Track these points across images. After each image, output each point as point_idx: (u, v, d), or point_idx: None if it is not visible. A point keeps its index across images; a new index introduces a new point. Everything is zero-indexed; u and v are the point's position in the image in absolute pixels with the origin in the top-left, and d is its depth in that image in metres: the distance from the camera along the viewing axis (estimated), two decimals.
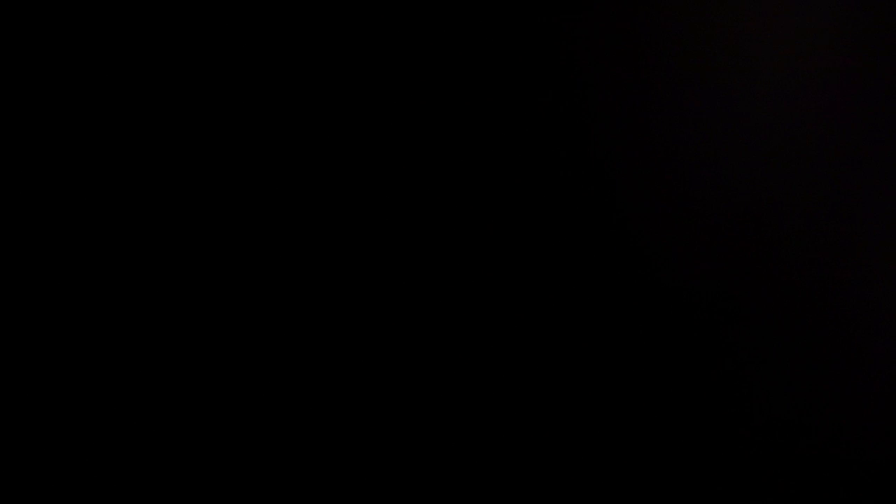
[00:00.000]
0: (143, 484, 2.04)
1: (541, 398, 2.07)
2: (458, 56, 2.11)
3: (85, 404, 2.05)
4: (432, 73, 2.11)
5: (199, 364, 2.06)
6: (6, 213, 2.07)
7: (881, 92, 2.09)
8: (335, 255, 2.09)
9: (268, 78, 2.11)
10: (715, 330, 2.07)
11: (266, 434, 2.05)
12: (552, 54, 2.11)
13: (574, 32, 2.11)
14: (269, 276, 2.08)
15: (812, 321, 2.07)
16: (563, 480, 2.05)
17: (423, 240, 2.09)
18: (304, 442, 2.06)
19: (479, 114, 2.11)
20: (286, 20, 2.11)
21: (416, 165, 2.10)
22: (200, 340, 2.06)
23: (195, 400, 2.05)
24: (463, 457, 2.06)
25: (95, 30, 2.10)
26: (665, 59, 2.11)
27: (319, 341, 2.07)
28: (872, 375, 2.05)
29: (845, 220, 2.08)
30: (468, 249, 2.09)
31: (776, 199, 2.09)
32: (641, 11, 2.11)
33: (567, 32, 2.11)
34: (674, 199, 2.09)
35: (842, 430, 2.05)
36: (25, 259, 2.06)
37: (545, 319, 2.08)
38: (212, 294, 2.07)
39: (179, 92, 2.10)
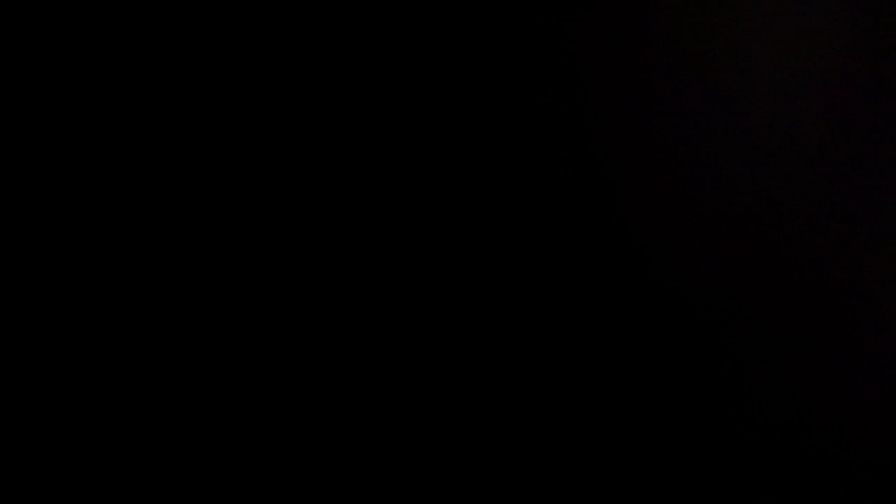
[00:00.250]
0: (142, 484, 2.04)
1: (541, 398, 2.07)
2: (459, 56, 2.11)
3: (85, 404, 2.05)
4: (433, 73, 2.11)
5: (191, 361, 2.06)
6: (6, 213, 2.07)
7: (881, 92, 2.10)
8: (335, 255, 2.09)
9: (264, 78, 2.11)
10: (715, 330, 2.07)
11: (261, 433, 2.06)
12: (552, 54, 2.11)
13: (574, 32, 2.11)
14: (263, 275, 2.08)
15: (812, 321, 2.07)
16: (563, 480, 2.06)
17: (422, 239, 2.09)
18: (302, 441, 2.06)
19: (479, 114, 2.11)
20: (283, 20, 2.12)
21: (417, 165, 2.10)
22: (191, 337, 2.06)
23: (187, 397, 2.06)
24: (462, 456, 2.06)
25: (95, 30, 2.10)
26: (665, 59, 2.11)
27: (319, 341, 2.07)
28: (872, 375, 2.06)
29: (845, 220, 2.08)
30: (469, 249, 2.09)
31: (776, 199, 2.09)
32: (642, 11, 2.11)
33: (567, 32, 2.11)
34: (674, 199, 2.09)
35: (842, 430, 2.05)
36: (25, 259, 2.06)
37: (546, 319, 2.08)
38: (204, 292, 2.07)
39: (174, 92, 2.10)
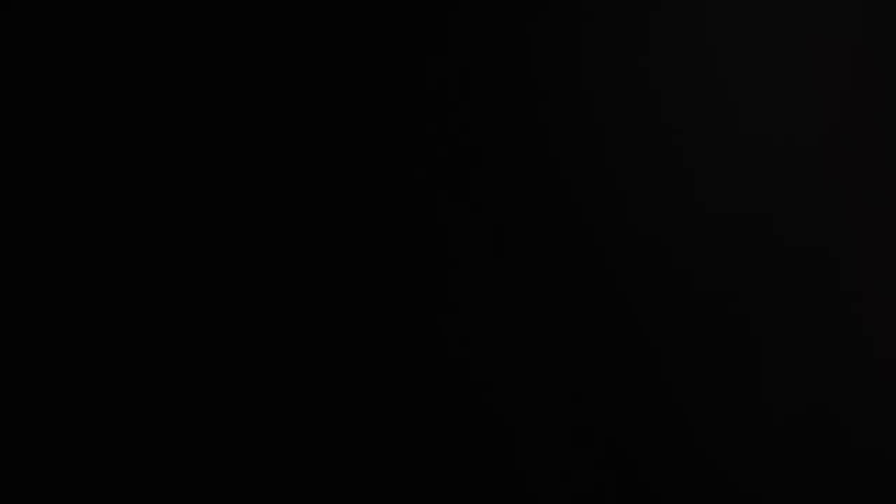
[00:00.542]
0: (142, 484, 2.04)
1: (543, 397, 2.07)
2: (459, 56, 2.11)
3: (84, 404, 2.05)
4: (433, 74, 2.11)
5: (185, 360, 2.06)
6: (6, 213, 2.07)
7: (881, 92, 2.09)
8: (333, 254, 2.09)
9: (260, 78, 2.11)
10: (718, 330, 2.07)
11: (256, 432, 2.06)
12: (553, 54, 2.11)
13: (575, 32, 2.11)
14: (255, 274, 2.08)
15: (814, 321, 2.07)
16: (562, 477, 2.05)
17: (422, 238, 2.09)
18: (300, 441, 2.06)
19: (479, 114, 2.11)
20: (280, 20, 2.11)
21: (418, 164, 2.10)
22: (183, 335, 2.06)
23: (180, 395, 2.05)
24: (460, 456, 2.06)
25: (95, 30, 2.10)
26: (665, 59, 2.11)
27: (319, 340, 2.07)
28: (873, 375, 2.05)
29: (845, 219, 2.08)
30: (469, 248, 2.09)
31: (777, 199, 2.09)
32: (642, 11, 2.11)
33: (568, 32, 2.11)
34: (676, 199, 2.09)
35: (844, 430, 2.05)
36: (25, 259, 2.06)
37: (551, 318, 2.08)
38: (197, 290, 2.07)
39: (167, 93, 2.10)
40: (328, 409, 2.05)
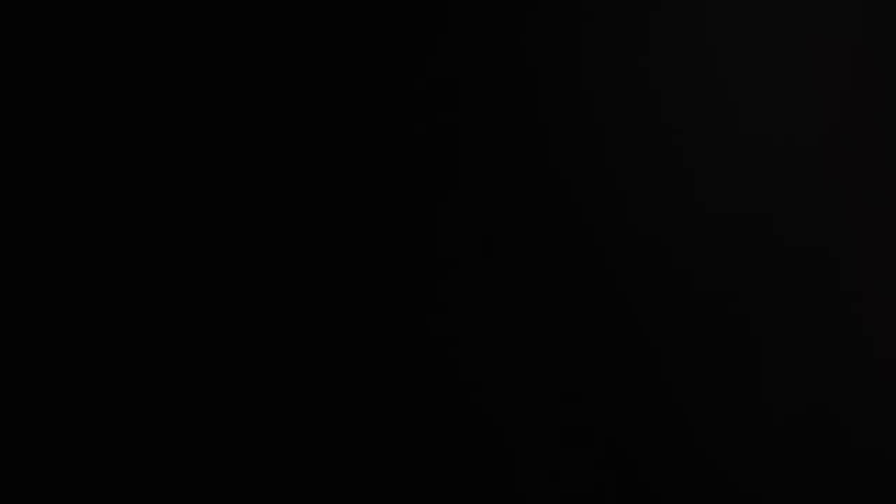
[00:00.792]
0: (141, 484, 2.04)
1: (543, 397, 2.07)
2: (459, 56, 2.11)
3: (84, 404, 2.05)
4: (432, 73, 2.11)
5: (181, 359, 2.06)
6: (6, 213, 2.07)
7: (881, 92, 2.09)
8: (334, 254, 2.09)
9: (257, 79, 2.11)
10: (718, 330, 2.07)
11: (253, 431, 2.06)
12: (553, 54, 2.11)
13: (575, 32, 2.11)
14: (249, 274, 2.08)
15: (814, 321, 2.07)
16: (561, 477, 2.05)
17: (422, 238, 2.09)
18: (299, 441, 2.06)
19: (479, 113, 2.11)
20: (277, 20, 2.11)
21: (417, 164, 2.10)
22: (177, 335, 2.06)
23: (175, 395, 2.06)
24: (459, 456, 2.06)
25: (95, 30, 2.10)
26: (665, 59, 2.11)
27: (308, 340, 2.07)
28: (873, 375, 2.05)
29: (845, 219, 2.08)
30: (469, 248, 2.09)
31: (777, 199, 2.09)
32: (642, 11, 2.11)
33: (568, 32, 2.11)
34: (676, 199, 2.09)
35: (844, 430, 2.05)
36: (25, 259, 2.06)
37: (552, 318, 2.08)
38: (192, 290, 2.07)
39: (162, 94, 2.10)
40: (318, 411, 2.05)
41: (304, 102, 2.10)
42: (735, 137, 2.09)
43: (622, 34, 2.11)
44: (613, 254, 2.08)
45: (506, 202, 2.09)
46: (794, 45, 2.11)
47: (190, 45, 2.10)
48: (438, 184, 2.10)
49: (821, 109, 2.09)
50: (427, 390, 2.06)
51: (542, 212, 2.09)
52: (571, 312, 2.08)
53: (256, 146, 2.09)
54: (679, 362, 2.06)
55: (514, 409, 2.06)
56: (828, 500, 2.04)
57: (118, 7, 2.09)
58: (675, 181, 2.09)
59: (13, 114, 2.08)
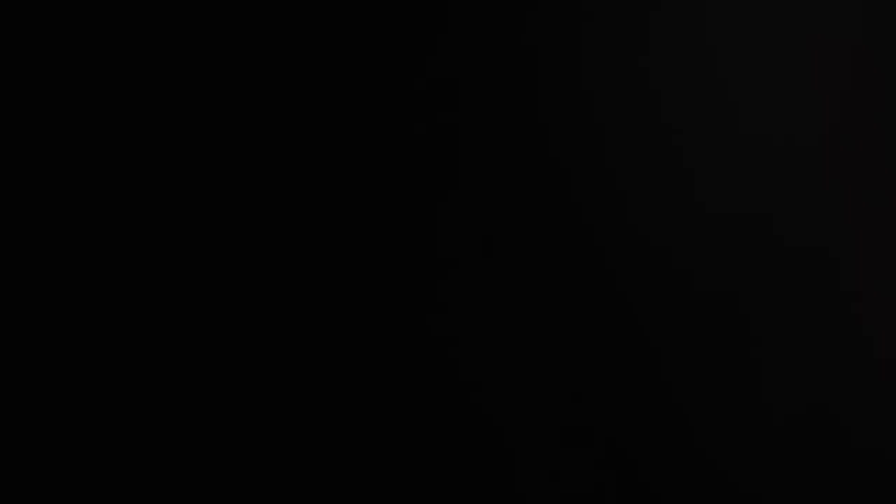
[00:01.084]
0: (141, 484, 2.04)
1: (543, 397, 2.07)
2: (459, 56, 2.11)
3: (84, 404, 2.05)
4: (432, 73, 2.11)
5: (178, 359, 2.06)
6: (6, 213, 2.07)
7: (881, 92, 2.09)
8: (333, 255, 2.09)
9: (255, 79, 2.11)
10: (718, 330, 2.07)
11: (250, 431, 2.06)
12: (553, 54, 2.11)
13: (575, 32, 2.11)
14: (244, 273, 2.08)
15: (814, 321, 2.07)
16: (561, 477, 2.05)
17: (422, 238, 2.09)
18: (298, 441, 2.06)
19: (479, 113, 2.11)
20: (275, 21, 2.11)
21: (417, 164, 2.10)
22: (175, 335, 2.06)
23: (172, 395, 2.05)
24: (459, 457, 2.06)
25: (96, 30, 2.10)
26: (665, 59, 2.11)
27: (307, 340, 2.07)
28: (873, 375, 2.05)
29: (845, 219, 2.08)
30: (469, 248, 2.09)
31: (777, 199, 2.09)
32: (642, 11, 2.11)
33: (568, 32, 2.11)
34: (676, 199, 2.09)
35: (844, 430, 2.05)
36: (25, 259, 2.06)
37: (552, 318, 2.08)
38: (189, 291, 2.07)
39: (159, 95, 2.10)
40: (317, 411, 2.05)
41: (305, 102, 2.10)
42: (735, 137, 2.09)
43: (622, 34, 2.11)
44: (613, 254, 2.08)
45: (506, 202, 2.09)
46: (794, 45, 2.11)
47: (190, 44, 2.10)
48: (438, 184, 2.10)
49: (821, 109, 2.09)
50: (427, 390, 2.06)
51: (542, 212, 2.09)
52: (571, 312, 2.08)
53: (256, 146, 2.09)
54: (679, 362, 2.06)
55: (514, 409, 2.06)
56: (828, 500, 2.04)
57: (118, 7, 2.09)
58: (675, 181, 2.09)
59: (13, 114, 2.08)
